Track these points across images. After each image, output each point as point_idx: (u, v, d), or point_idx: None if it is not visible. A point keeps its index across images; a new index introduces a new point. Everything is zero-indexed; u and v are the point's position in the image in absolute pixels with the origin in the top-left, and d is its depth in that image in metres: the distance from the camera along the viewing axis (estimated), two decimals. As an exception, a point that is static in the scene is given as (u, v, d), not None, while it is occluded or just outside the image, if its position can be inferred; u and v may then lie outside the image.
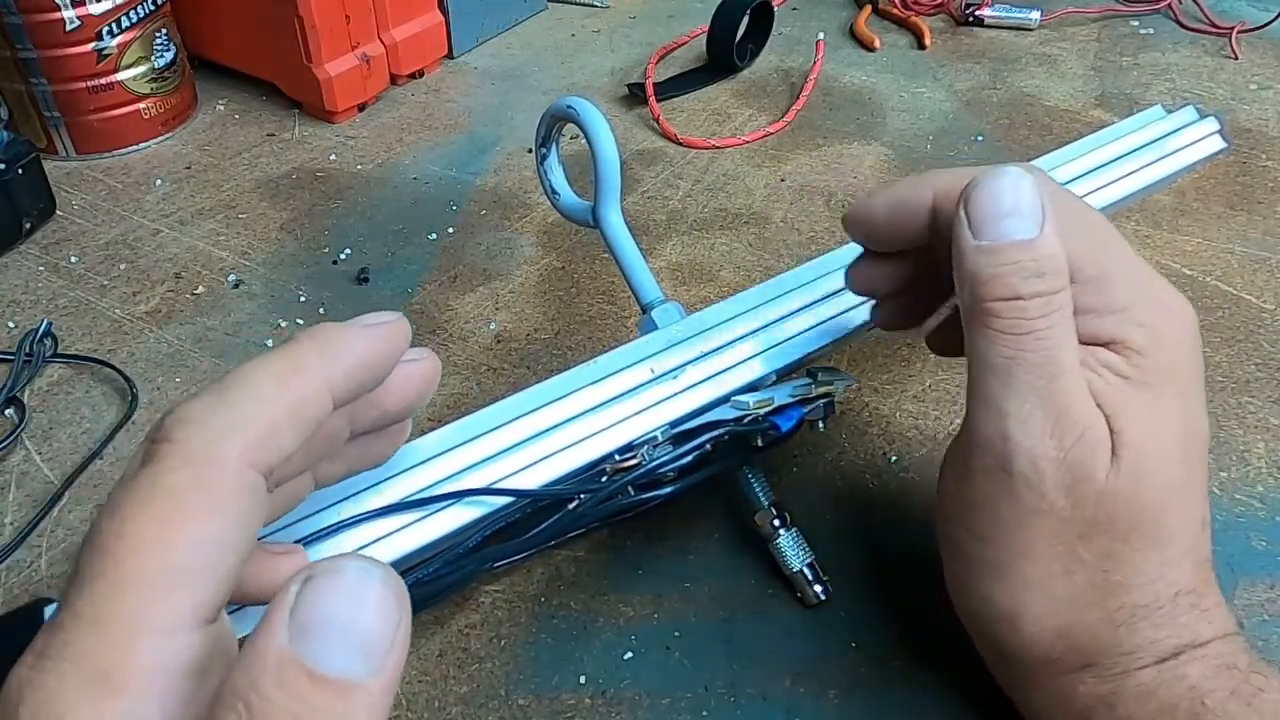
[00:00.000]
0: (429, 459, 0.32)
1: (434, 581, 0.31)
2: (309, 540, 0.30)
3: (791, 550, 0.36)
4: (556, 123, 0.43)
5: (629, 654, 0.35)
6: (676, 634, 0.36)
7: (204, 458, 0.20)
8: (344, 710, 0.18)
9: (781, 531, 0.36)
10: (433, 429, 0.33)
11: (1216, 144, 0.47)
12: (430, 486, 0.32)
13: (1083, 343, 0.28)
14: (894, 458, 0.43)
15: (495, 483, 0.32)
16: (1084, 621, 0.27)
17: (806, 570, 0.36)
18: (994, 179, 0.27)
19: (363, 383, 0.24)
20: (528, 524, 0.33)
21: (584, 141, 0.41)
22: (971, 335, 0.28)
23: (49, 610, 0.29)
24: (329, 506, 0.31)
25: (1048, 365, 0.27)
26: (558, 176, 0.45)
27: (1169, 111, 0.48)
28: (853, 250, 0.40)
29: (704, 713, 0.34)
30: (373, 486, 0.32)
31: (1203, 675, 0.26)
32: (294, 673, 0.16)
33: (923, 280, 0.34)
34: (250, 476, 0.20)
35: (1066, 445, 0.26)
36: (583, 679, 0.35)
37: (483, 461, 0.33)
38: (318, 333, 0.23)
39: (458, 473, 0.32)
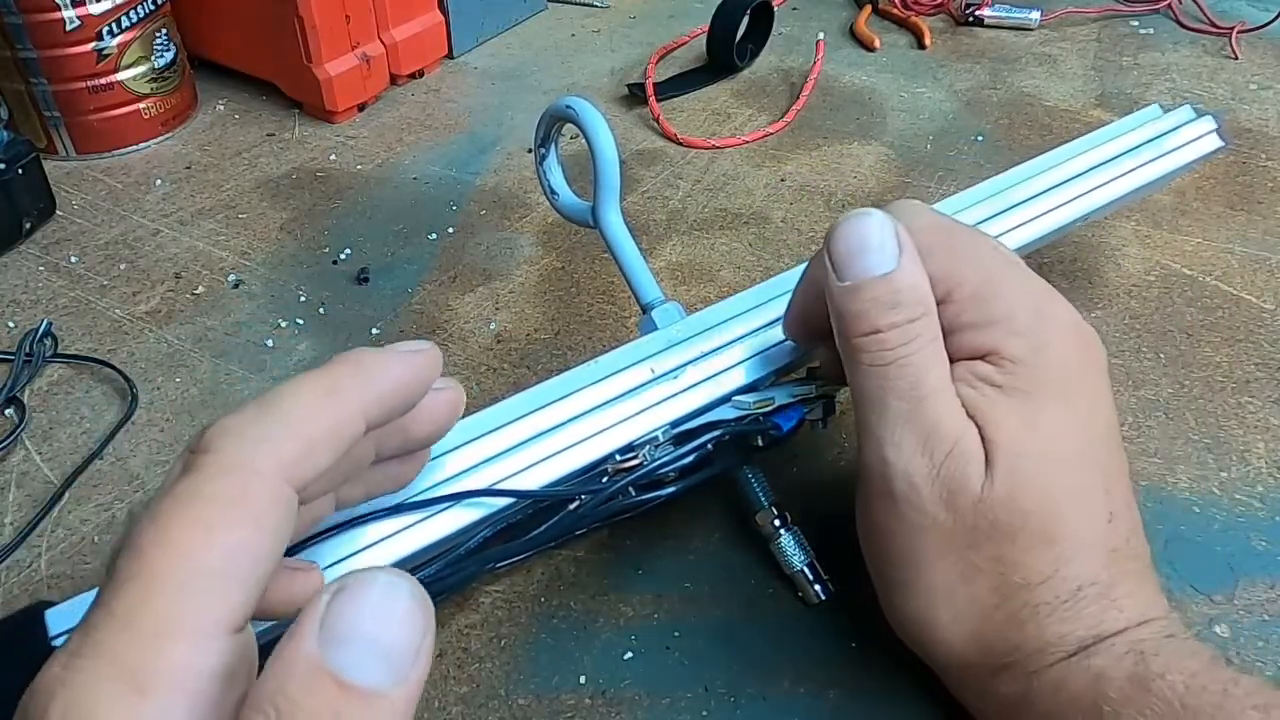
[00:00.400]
0: (431, 459, 0.32)
1: (435, 583, 0.31)
2: (311, 543, 0.30)
3: (792, 550, 0.36)
4: (556, 123, 0.43)
5: (629, 654, 0.35)
6: (676, 634, 0.36)
7: (242, 469, 0.20)
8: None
9: (782, 531, 0.36)
10: (433, 429, 0.33)
11: (1214, 143, 0.47)
12: (431, 488, 0.32)
13: (964, 358, 0.29)
14: (894, 458, 0.42)
15: (496, 484, 0.32)
16: (991, 623, 0.28)
17: (807, 570, 0.36)
18: (851, 221, 0.29)
19: (394, 408, 0.24)
20: (529, 525, 0.33)
21: (583, 141, 0.41)
22: (848, 372, 0.30)
23: (49, 613, 0.29)
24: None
25: (913, 389, 0.28)
26: (557, 176, 0.45)
27: (1166, 111, 0.48)
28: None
29: (704, 713, 0.34)
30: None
31: (1106, 664, 0.27)
32: (322, 680, 0.17)
33: None
34: (285, 491, 0.21)
35: (938, 461, 0.28)
36: (583, 679, 0.35)
37: (484, 462, 0.33)
38: (354, 357, 0.24)
39: (459, 474, 0.32)
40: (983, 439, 0.28)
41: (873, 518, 0.30)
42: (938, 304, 0.30)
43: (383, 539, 0.31)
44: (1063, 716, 0.27)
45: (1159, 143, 0.46)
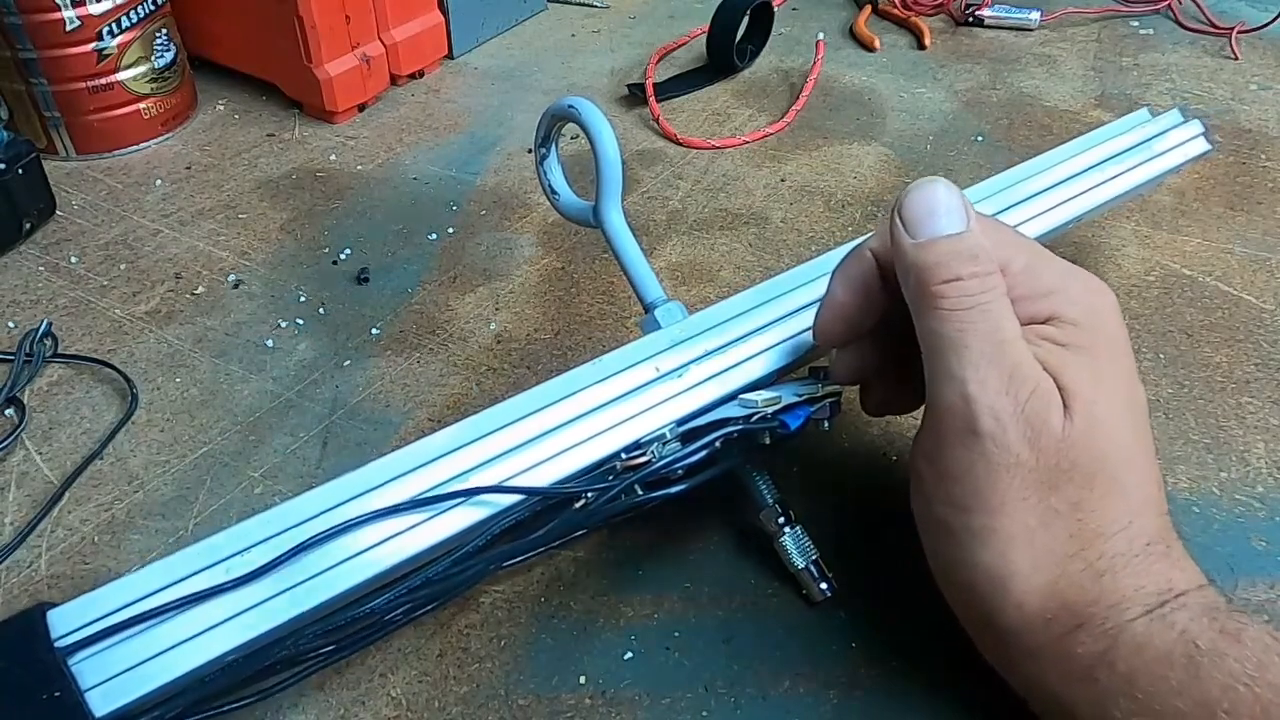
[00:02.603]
0: (437, 458, 0.32)
1: (443, 581, 0.31)
2: (317, 541, 0.30)
3: (795, 548, 0.36)
4: (557, 123, 0.43)
5: (629, 654, 0.35)
6: (676, 634, 0.36)
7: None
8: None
9: (786, 530, 0.36)
10: (434, 430, 0.33)
11: (1201, 146, 0.48)
12: (438, 485, 0.32)
13: (1027, 323, 0.30)
14: (894, 457, 0.42)
15: (504, 481, 0.32)
16: (1069, 574, 0.28)
17: (811, 568, 0.36)
18: (922, 187, 0.31)
19: None
20: (536, 523, 0.33)
21: (584, 141, 0.41)
22: (923, 321, 0.30)
23: (51, 614, 0.29)
24: (337, 506, 0.31)
25: (994, 333, 0.29)
26: (557, 176, 0.45)
27: (1155, 115, 0.49)
28: (848, 249, 0.40)
29: (704, 713, 0.34)
30: (381, 486, 0.32)
31: (1189, 620, 0.27)
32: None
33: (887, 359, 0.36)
34: None
35: (1022, 399, 0.28)
36: (583, 679, 0.35)
37: (490, 460, 0.33)
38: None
39: (465, 471, 0.32)
40: (1061, 391, 0.29)
41: (947, 462, 0.30)
42: None
43: (390, 536, 0.31)
44: (1149, 674, 0.27)
45: (1148, 146, 0.47)
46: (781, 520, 0.36)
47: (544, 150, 0.45)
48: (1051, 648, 0.29)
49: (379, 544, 0.31)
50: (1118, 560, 0.28)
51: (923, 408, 0.32)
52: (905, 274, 0.31)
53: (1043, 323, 0.31)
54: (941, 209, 0.31)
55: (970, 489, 0.29)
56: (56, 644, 0.28)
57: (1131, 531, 0.29)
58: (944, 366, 0.30)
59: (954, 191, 0.31)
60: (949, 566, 0.31)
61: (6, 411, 0.45)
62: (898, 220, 0.31)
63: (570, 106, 0.41)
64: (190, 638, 0.29)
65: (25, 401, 0.45)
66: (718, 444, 0.33)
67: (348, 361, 0.48)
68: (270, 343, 0.49)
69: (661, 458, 0.33)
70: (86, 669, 0.28)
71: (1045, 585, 0.28)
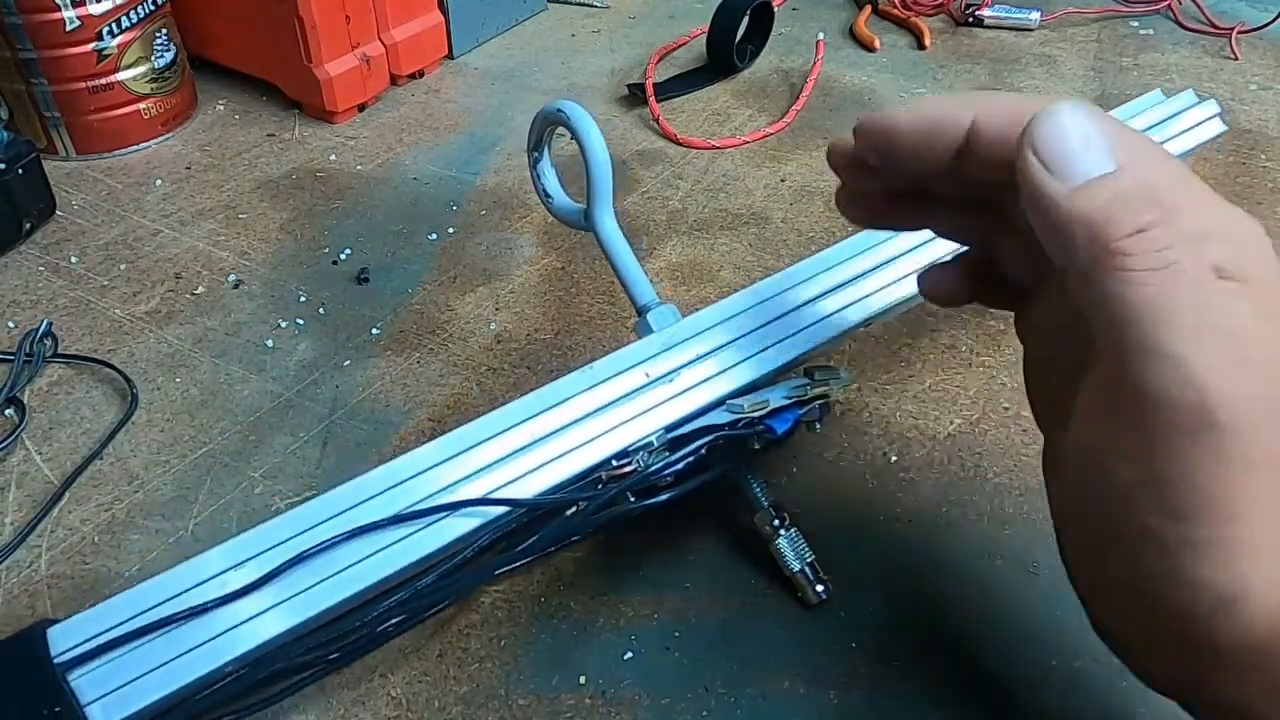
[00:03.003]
0: (425, 470, 0.32)
1: (433, 593, 0.32)
2: (310, 554, 0.30)
3: (791, 551, 0.36)
4: (548, 126, 0.43)
5: (629, 654, 0.35)
6: (676, 634, 0.36)
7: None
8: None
9: (781, 532, 0.36)
10: (434, 429, 0.33)
11: (1217, 127, 0.47)
12: (427, 498, 0.32)
13: None
14: (894, 458, 0.43)
15: (492, 492, 0.32)
16: None
17: (807, 570, 0.36)
18: (1056, 116, 0.25)
19: None
20: (527, 532, 0.33)
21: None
22: (1104, 288, 0.24)
23: (51, 631, 0.29)
24: (327, 520, 0.31)
25: (1202, 294, 0.23)
26: (550, 180, 0.45)
27: (1168, 96, 0.48)
28: (846, 250, 0.40)
29: (704, 713, 0.34)
30: (370, 500, 0.32)
31: None
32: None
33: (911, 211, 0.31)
34: None
35: (1265, 376, 0.23)
36: (583, 679, 0.35)
37: (479, 471, 0.33)
38: None
39: (455, 483, 0.32)
40: None
41: (1167, 463, 0.23)
42: None
43: (379, 550, 0.31)
44: None
45: (1163, 128, 0.46)
46: (776, 523, 0.36)
47: (537, 154, 0.44)
48: (1269, 666, 0.24)
49: (370, 556, 0.31)
50: None
51: (1086, 393, 0.26)
52: (1060, 230, 0.25)
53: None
54: (1089, 140, 0.25)
55: (1200, 494, 0.23)
56: (56, 660, 0.28)
57: None
58: (1148, 342, 0.23)
59: (1096, 114, 0.25)
60: (1149, 582, 0.25)
61: (6, 411, 0.45)
62: (1032, 158, 0.25)
63: (559, 110, 0.41)
64: (188, 651, 0.29)
65: (25, 401, 0.45)
66: (703, 451, 0.33)
67: (348, 361, 0.48)
68: (270, 343, 0.49)
69: (648, 466, 0.33)
70: (86, 684, 0.28)
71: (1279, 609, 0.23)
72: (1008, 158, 0.26)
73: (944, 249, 0.40)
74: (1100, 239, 0.24)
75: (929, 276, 0.33)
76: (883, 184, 0.31)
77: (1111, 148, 0.25)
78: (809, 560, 0.36)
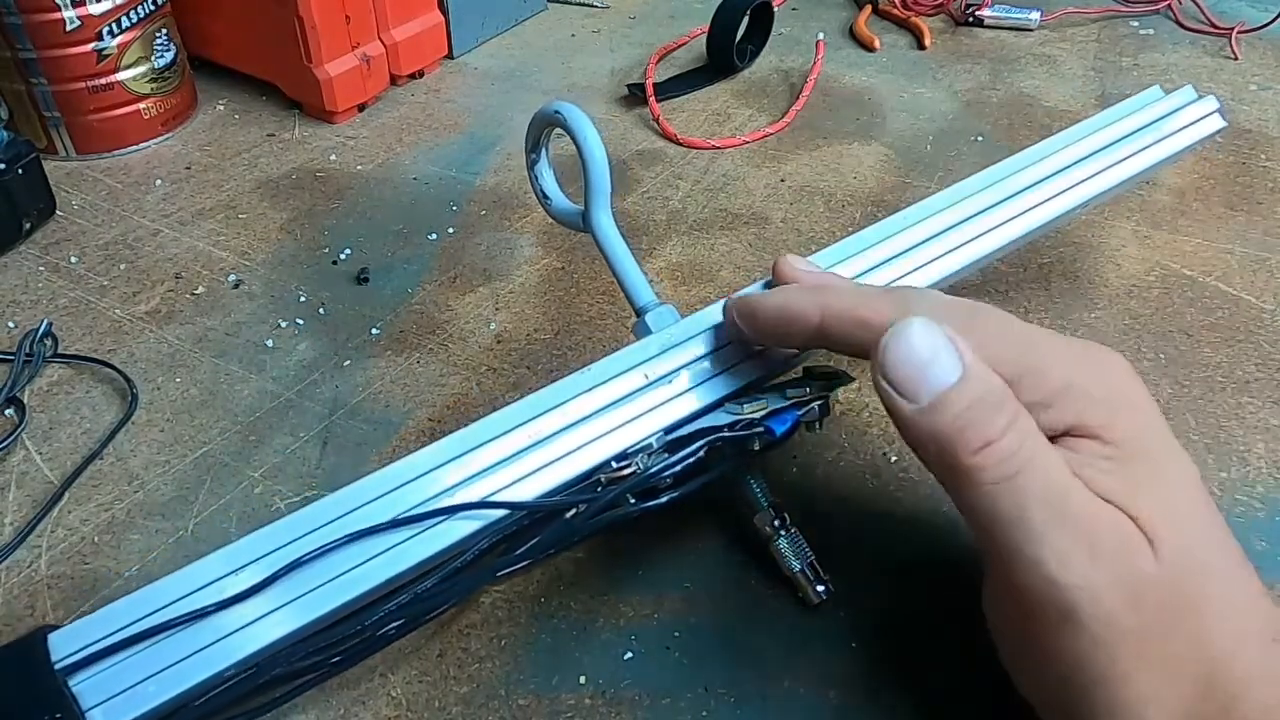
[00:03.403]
0: (424, 474, 0.32)
1: (433, 597, 0.32)
2: (308, 559, 0.30)
3: (791, 551, 0.36)
4: (545, 127, 0.43)
5: (629, 654, 0.35)
6: (676, 634, 0.36)
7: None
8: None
9: (781, 532, 0.36)
10: (434, 429, 0.33)
11: (1216, 123, 0.47)
12: (426, 501, 0.32)
13: (1051, 438, 0.27)
14: (894, 458, 0.43)
15: (491, 496, 0.32)
16: (1204, 715, 0.25)
17: (807, 570, 0.36)
18: (899, 339, 0.27)
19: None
20: (526, 535, 0.33)
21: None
22: (964, 499, 0.26)
23: (52, 636, 0.29)
24: (327, 524, 0.31)
25: (1051, 490, 0.25)
26: (548, 181, 0.45)
27: (1167, 93, 0.48)
28: (843, 251, 0.40)
29: (704, 713, 0.34)
30: (370, 503, 0.32)
31: None
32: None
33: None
34: None
35: (1111, 560, 0.25)
36: (583, 679, 0.35)
37: (478, 474, 0.33)
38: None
39: (454, 486, 0.32)
40: (1131, 518, 0.25)
41: (1047, 648, 0.26)
42: None
43: (379, 554, 0.31)
44: None
45: (1162, 124, 0.46)
46: (777, 523, 0.36)
47: (534, 155, 0.44)
48: None
49: (370, 560, 0.31)
50: (1242, 685, 0.25)
51: (986, 575, 0.29)
52: (920, 445, 0.27)
53: (1067, 433, 0.27)
54: (932, 356, 0.26)
55: (1082, 669, 0.25)
56: (57, 665, 0.28)
57: (1248, 641, 0.26)
58: (1010, 548, 0.25)
59: (936, 330, 0.27)
60: None
61: (6, 411, 0.45)
62: (886, 386, 0.27)
63: (556, 111, 0.41)
64: (188, 655, 0.29)
65: (25, 401, 0.45)
66: (703, 453, 0.33)
67: (348, 361, 0.48)
68: (270, 343, 0.49)
69: (647, 468, 0.33)
70: (87, 689, 0.28)
71: None
72: (865, 348, 0.29)
73: (947, 265, 0.40)
74: (951, 457, 0.26)
75: None
76: None
77: (957, 353, 0.26)
78: (809, 560, 0.36)
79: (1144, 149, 0.45)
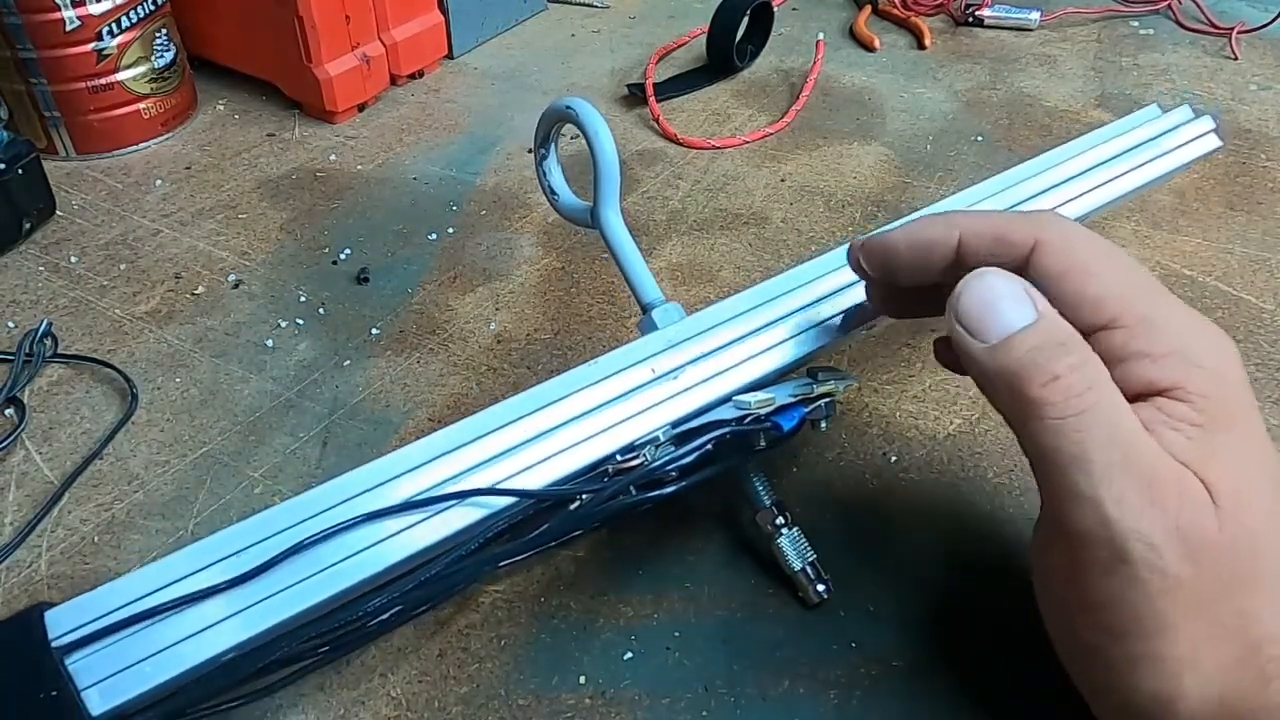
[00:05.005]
0: (432, 460, 0.32)
1: (438, 582, 0.31)
2: (312, 542, 0.30)
3: (792, 550, 0.36)
4: (556, 123, 0.43)
5: (629, 654, 0.35)
6: (676, 634, 0.36)
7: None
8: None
9: (783, 531, 0.36)
10: (434, 429, 0.33)
11: (1212, 142, 0.47)
12: (434, 487, 0.32)
13: (1143, 393, 0.27)
14: (894, 458, 0.43)
15: (498, 483, 0.32)
16: (1238, 687, 0.26)
17: (808, 569, 0.36)
18: (973, 281, 0.28)
19: None
20: (531, 525, 0.33)
21: (583, 142, 0.41)
22: (1028, 434, 0.27)
23: (48, 614, 0.29)
24: (333, 507, 0.31)
25: (1117, 434, 0.26)
26: (556, 177, 0.45)
27: (1164, 111, 0.48)
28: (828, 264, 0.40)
29: (704, 713, 0.34)
30: (376, 487, 0.32)
31: None
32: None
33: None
34: None
35: (1172, 511, 0.25)
36: (583, 679, 0.35)
37: (485, 462, 0.33)
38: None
39: (460, 473, 0.32)
40: (1201, 482, 0.26)
41: (1096, 592, 0.26)
42: (1101, 329, 0.28)
43: (385, 538, 0.31)
44: None
45: (1158, 142, 0.47)
46: (779, 521, 0.36)
47: (543, 151, 0.45)
48: None
49: (374, 545, 0.31)
50: None
51: (1039, 519, 0.29)
52: (989, 383, 0.28)
53: (1165, 393, 0.27)
54: (1004, 297, 0.27)
55: (1127, 617, 0.26)
56: (54, 644, 0.28)
57: None
58: (1067, 485, 0.26)
59: (1010, 277, 0.28)
60: (1104, 688, 0.28)
61: (6, 411, 0.45)
62: (958, 327, 0.28)
63: (568, 107, 0.41)
64: (186, 637, 0.29)
65: (25, 401, 0.45)
66: (710, 446, 0.33)
67: (348, 361, 0.48)
68: (270, 343, 0.49)
69: (654, 460, 0.33)
70: (83, 668, 0.28)
71: (1215, 702, 0.26)
72: (1002, 266, 0.29)
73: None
74: (1018, 391, 0.27)
75: (940, 346, 0.35)
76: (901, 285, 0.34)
77: (1031, 300, 0.27)
78: (810, 560, 0.36)
79: (1138, 167, 0.45)
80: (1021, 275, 0.29)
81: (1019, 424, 0.27)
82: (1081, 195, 0.44)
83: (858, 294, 0.39)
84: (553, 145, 0.45)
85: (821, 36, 0.74)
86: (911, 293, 0.34)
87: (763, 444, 0.35)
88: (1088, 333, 0.28)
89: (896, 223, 0.36)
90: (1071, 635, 0.28)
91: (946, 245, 0.31)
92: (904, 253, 0.32)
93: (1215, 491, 0.25)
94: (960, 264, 0.30)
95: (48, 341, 0.48)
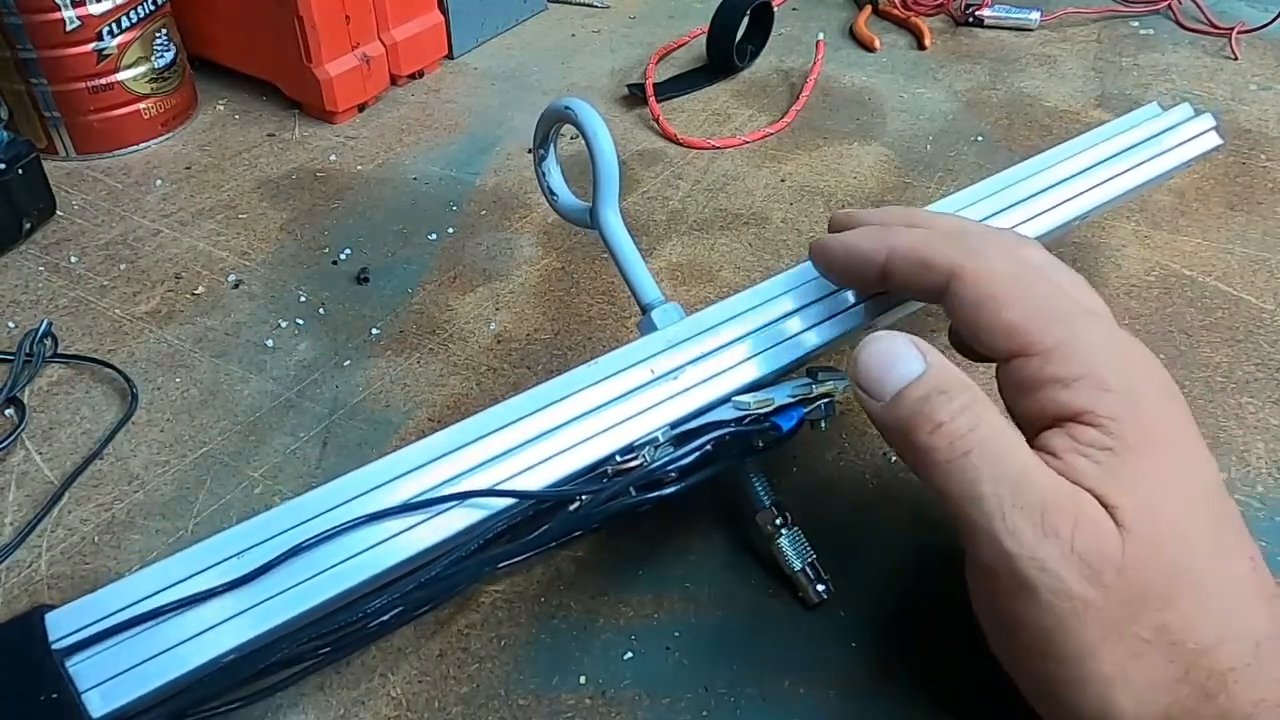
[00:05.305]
0: (431, 461, 0.32)
1: (437, 583, 0.31)
2: (312, 544, 0.30)
3: (793, 550, 0.36)
4: (555, 124, 0.43)
5: (629, 654, 0.35)
6: (676, 634, 0.36)
7: None
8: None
9: (783, 531, 0.36)
10: (433, 429, 0.33)
11: (1213, 140, 0.47)
12: (433, 489, 0.32)
13: (1058, 418, 0.28)
14: (894, 458, 0.43)
15: (498, 485, 0.32)
16: (1180, 700, 0.26)
17: (808, 569, 0.36)
18: (868, 347, 0.30)
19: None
20: (531, 526, 0.33)
21: (582, 142, 0.41)
22: (925, 480, 0.29)
23: (49, 617, 0.29)
24: (333, 508, 0.31)
25: (1005, 469, 0.27)
26: (555, 178, 0.45)
27: (1164, 109, 0.48)
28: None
29: (704, 713, 0.34)
30: (376, 489, 0.32)
31: None
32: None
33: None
34: None
35: (1066, 537, 0.26)
36: (583, 679, 0.35)
37: (485, 464, 0.33)
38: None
39: (460, 474, 0.32)
40: (1105, 506, 0.26)
41: (1012, 619, 0.27)
42: (1016, 357, 0.29)
43: (385, 539, 0.31)
44: None
45: (1158, 140, 0.46)
46: (779, 521, 0.36)
47: (542, 151, 0.45)
48: None
49: (374, 546, 0.31)
50: (1229, 676, 0.25)
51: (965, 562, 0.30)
52: (887, 436, 0.30)
53: (1076, 418, 0.28)
54: (895, 359, 0.29)
55: (1045, 641, 0.26)
56: (54, 646, 0.28)
57: (1235, 638, 0.26)
58: (965, 521, 0.27)
59: (900, 337, 0.30)
60: (1046, 702, 0.28)
61: (6, 411, 0.45)
62: (858, 389, 0.30)
63: (567, 108, 0.41)
64: (187, 639, 0.29)
65: (25, 401, 0.45)
66: (709, 447, 0.33)
67: (348, 361, 0.48)
68: (270, 343, 0.49)
69: (653, 461, 0.33)
70: (84, 670, 0.28)
71: (1158, 718, 0.26)
72: (925, 292, 0.32)
73: None
74: (909, 440, 0.28)
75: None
76: None
77: (920, 355, 0.29)
78: (810, 560, 0.36)
79: (1138, 166, 0.45)
80: (941, 301, 0.31)
81: (918, 471, 0.29)
82: (1081, 194, 0.44)
83: (855, 295, 0.39)
84: (552, 146, 0.45)
85: (821, 36, 0.74)
86: None
87: (762, 444, 0.35)
88: (1004, 360, 0.29)
89: (871, 211, 0.37)
90: (1009, 656, 0.29)
91: (875, 263, 0.33)
92: (840, 260, 0.35)
93: (1121, 513, 0.26)
94: (888, 280, 0.33)
95: (48, 341, 0.48)
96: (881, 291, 0.37)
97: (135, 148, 0.65)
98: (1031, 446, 0.28)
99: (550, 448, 0.33)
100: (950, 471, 0.27)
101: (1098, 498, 0.26)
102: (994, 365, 0.31)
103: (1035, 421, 0.29)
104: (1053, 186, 0.44)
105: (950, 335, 0.36)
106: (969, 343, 0.31)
